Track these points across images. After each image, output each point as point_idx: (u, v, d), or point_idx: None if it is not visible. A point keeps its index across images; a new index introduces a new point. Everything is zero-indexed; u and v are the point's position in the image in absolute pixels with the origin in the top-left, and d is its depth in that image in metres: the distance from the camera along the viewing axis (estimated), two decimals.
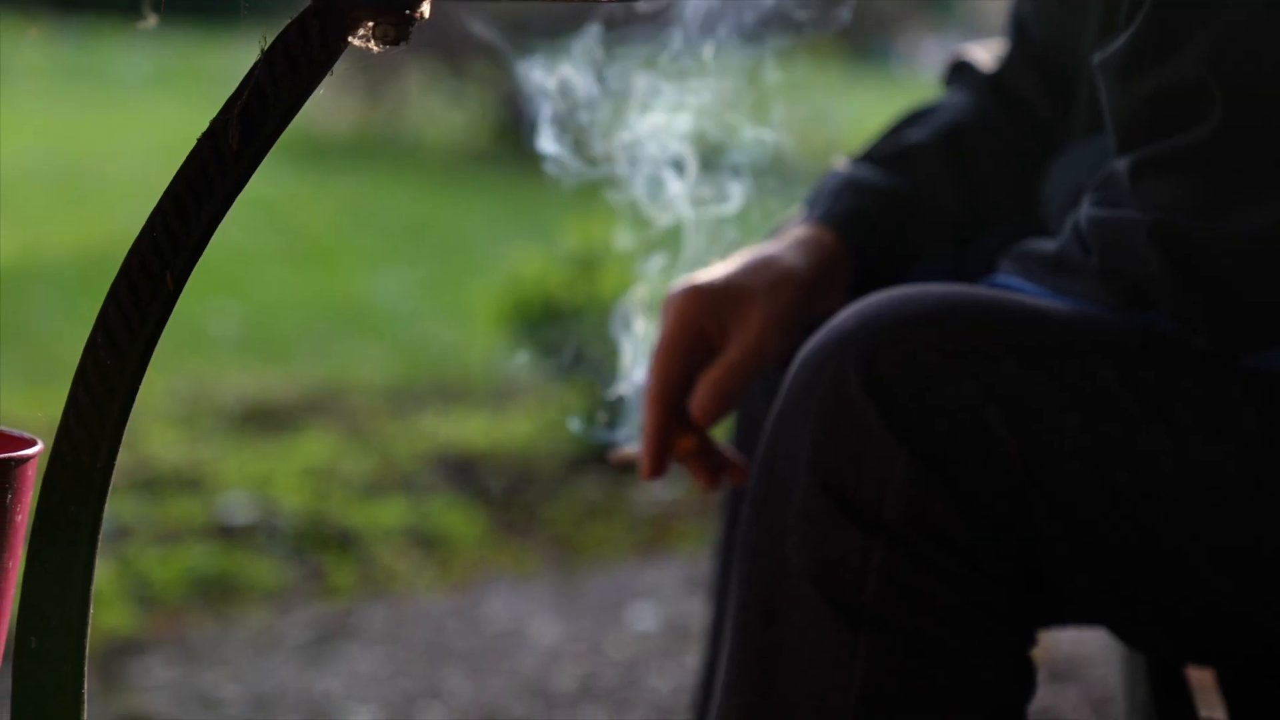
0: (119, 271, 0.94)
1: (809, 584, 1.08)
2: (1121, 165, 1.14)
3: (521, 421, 3.99)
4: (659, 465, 1.30)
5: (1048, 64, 1.43)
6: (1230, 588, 1.11)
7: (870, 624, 1.07)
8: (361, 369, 4.62)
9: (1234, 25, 1.09)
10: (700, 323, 1.29)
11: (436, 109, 9.39)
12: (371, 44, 0.91)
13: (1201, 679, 1.20)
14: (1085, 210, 1.16)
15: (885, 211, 1.37)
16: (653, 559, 3.25)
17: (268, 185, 7.48)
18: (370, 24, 0.90)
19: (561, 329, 3.62)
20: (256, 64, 0.91)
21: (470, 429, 3.98)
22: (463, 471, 3.70)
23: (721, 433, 1.41)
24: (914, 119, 1.45)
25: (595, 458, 3.65)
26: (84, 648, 0.96)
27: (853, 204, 1.36)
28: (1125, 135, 1.15)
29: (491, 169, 8.32)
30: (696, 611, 2.93)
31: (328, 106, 8.89)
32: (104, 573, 2.93)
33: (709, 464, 1.33)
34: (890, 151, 1.41)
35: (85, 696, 0.97)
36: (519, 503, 3.52)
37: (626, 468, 1.40)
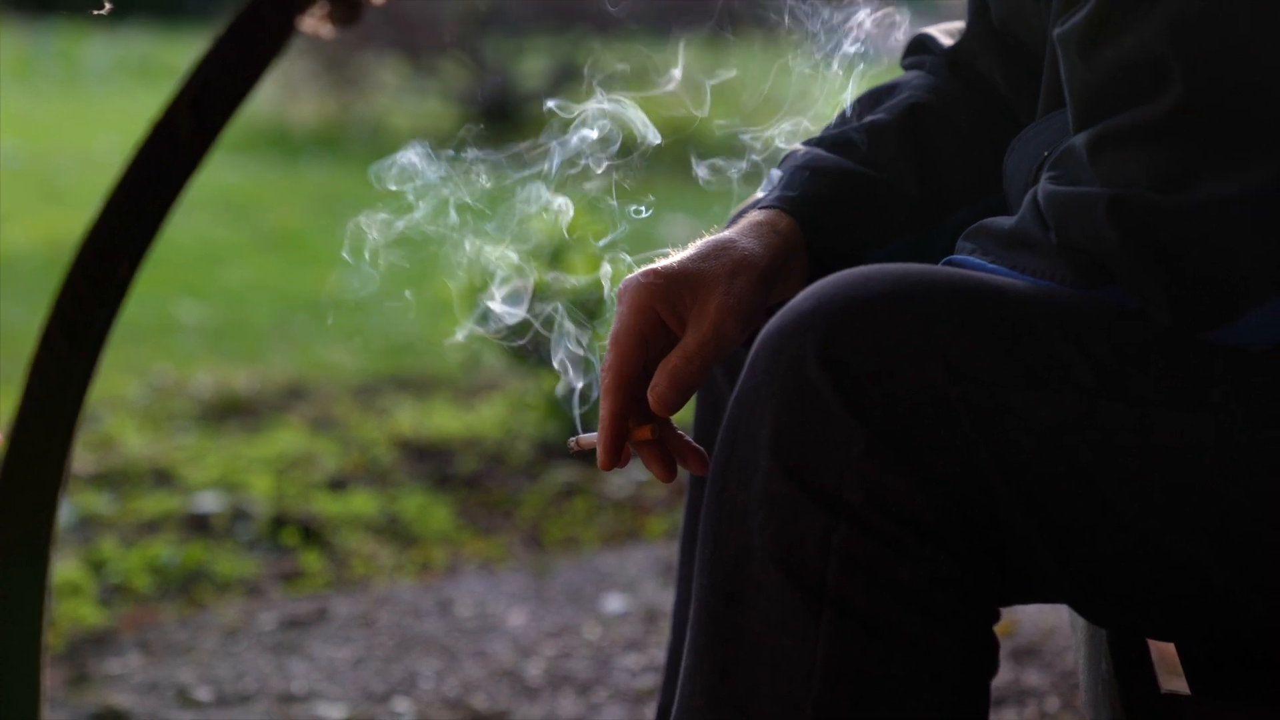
0: (73, 260, 0.93)
1: (771, 566, 1.08)
2: (1079, 140, 1.14)
3: (491, 411, 3.99)
4: (616, 455, 1.28)
5: (1007, 42, 1.43)
6: (1195, 563, 1.11)
7: (832, 605, 1.07)
8: (331, 361, 4.61)
9: None
10: (657, 311, 1.27)
11: (404, 100, 9.37)
12: (324, 29, 0.91)
13: (1163, 651, 1.20)
14: (1043, 186, 1.16)
15: (843, 194, 1.36)
16: (623, 546, 3.25)
17: (236, 178, 7.46)
18: (324, 7, 0.90)
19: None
20: (208, 50, 0.90)
21: (440, 418, 3.98)
22: (433, 461, 3.69)
23: (685, 414, 1.40)
24: (871, 100, 1.44)
25: (565, 446, 3.66)
26: (42, 637, 0.96)
27: (810, 187, 1.35)
28: (1084, 109, 1.15)
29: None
30: (667, 597, 2.93)
31: (295, 99, 8.86)
32: (74, 566, 2.93)
33: (666, 454, 1.31)
34: (847, 134, 1.40)
35: (44, 686, 0.97)
36: (489, 491, 3.51)
37: (586, 456, 1.39)
